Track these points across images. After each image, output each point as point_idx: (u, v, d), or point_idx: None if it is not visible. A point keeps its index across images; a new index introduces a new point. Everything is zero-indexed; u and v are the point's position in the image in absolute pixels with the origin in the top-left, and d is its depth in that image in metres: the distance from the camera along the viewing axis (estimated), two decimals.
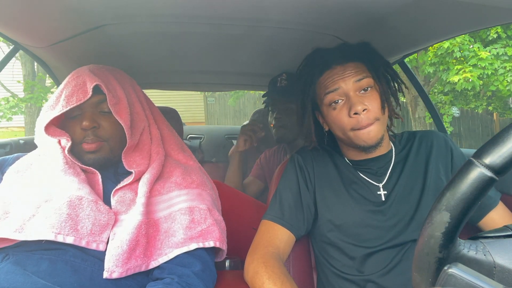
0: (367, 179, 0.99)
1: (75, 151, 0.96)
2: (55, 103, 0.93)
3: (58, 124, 0.97)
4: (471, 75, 6.22)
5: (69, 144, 0.92)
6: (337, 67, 0.94)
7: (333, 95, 0.94)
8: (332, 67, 0.95)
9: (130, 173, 0.96)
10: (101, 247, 0.82)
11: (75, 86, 0.93)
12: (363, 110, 0.89)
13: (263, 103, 2.00)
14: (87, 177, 0.92)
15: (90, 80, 0.93)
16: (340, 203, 0.97)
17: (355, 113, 0.90)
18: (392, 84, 1.00)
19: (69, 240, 0.78)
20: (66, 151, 0.92)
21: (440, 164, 0.98)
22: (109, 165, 0.98)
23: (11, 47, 1.47)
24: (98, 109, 0.96)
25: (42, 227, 0.77)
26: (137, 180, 0.96)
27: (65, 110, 0.90)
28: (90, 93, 0.91)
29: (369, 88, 0.93)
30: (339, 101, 0.93)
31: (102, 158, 0.95)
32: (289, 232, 0.95)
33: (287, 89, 1.82)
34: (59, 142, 0.95)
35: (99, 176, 0.94)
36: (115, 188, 0.92)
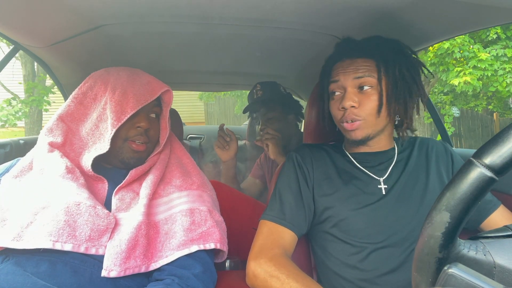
0: (368, 172, 0.99)
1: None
2: (123, 100, 0.93)
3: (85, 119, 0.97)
4: (470, 78, 6.22)
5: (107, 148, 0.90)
6: (346, 61, 0.97)
7: (333, 86, 0.99)
8: (342, 60, 0.98)
9: None
10: (101, 251, 0.81)
11: (142, 86, 0.96)
12: (351, 107, 0.93)
13: (243, 112, 1.99)
14: (90, 181, 0.92)
15: (158, 84, 0.98)
16: (339, 199, 0.96)
17: (343, 107, 0.94)
18: (408, 89, 0.95)
19: (67, 247, 0.77)
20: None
21: (442, 167, 0.99)
22: (136, 166, 0.98)
23: (11, 47, 1.47)
24: (150, 113, 1.00)
25: (40, 235, 0.76)
26: (136, 180, 0.96)
27: (138, 108, 0.93)
28: (158, 95, 0.96)
29: (367, 88, 0.93)
30: (337, 92, 0.98)
31: (142, 158, 0.99)
32: (291, 232, 0.95)
33: (265, 98, 1.82)
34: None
35: (106, 182, 0.94)
36: (117, 188, 0.92)
